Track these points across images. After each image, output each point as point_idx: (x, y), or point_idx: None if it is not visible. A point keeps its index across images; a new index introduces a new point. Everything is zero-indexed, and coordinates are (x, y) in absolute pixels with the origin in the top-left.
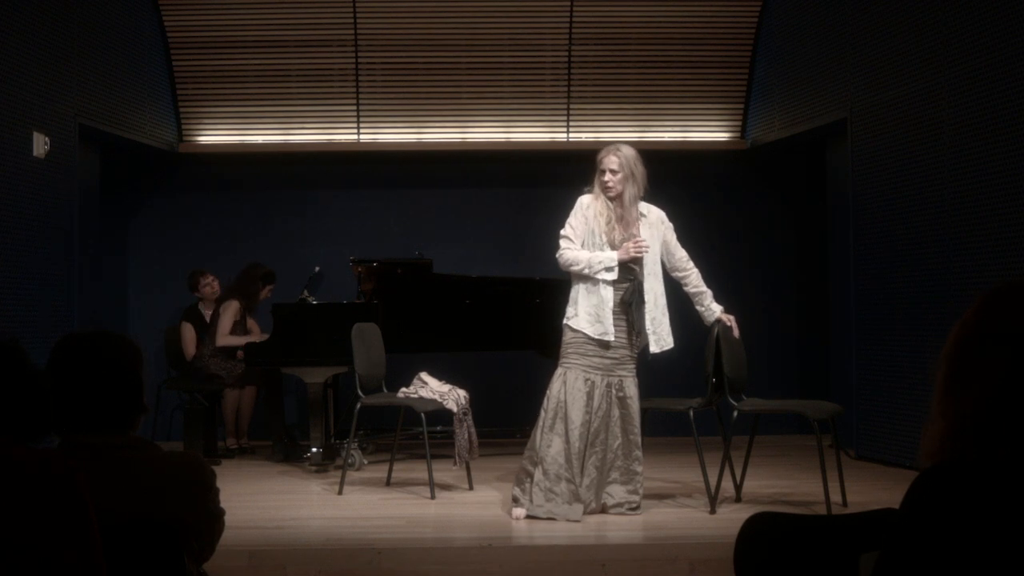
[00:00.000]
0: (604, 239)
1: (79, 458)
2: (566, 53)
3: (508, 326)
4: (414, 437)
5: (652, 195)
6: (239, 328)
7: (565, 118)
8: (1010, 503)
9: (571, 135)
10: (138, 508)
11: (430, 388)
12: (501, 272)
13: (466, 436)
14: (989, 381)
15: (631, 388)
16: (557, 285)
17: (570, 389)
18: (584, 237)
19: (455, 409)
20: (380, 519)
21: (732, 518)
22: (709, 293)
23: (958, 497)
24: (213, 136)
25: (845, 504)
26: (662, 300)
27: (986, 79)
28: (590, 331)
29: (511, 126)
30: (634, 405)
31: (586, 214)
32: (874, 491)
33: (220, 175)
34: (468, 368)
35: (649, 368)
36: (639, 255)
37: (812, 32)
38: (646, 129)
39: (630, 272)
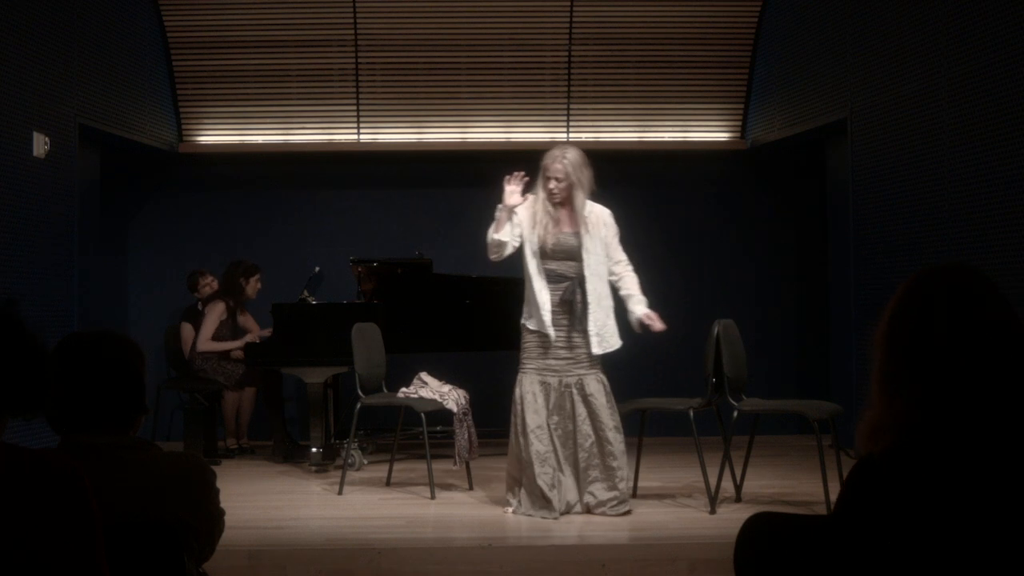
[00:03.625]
0: (536, 243)
1: (80, 458)
2: (566, 53)
3: (508, 326)
4: (414, 437)
5: (653, 195)
6: (227, 328)
7: (565, 118)
8: (939, 489)
9: (571, 135)
10: (138, 508)
11: (430, 388)
12: (501, 272)
13: (466, 436)
14: (917, 370)
15: (592, 385)
16: None
17: (524, 393)
18: (518, 237)
19: (455, 409)
20: (380, 519)
21: (732, 518)
22: (637, 297)
23: (890, 485)
24: (213, 136)
25: None
26: (607, 301)
27: (986, 79)
28: (538, 329)
29: (511, 126)
30: (599, 401)
31: (521, 217)
32: None
33: (220, 175)
34: (468, 368)
35: (649, 368)
36: (510, 203)
37: (812, 32)
38: (646, 129)
39: (568, 271)
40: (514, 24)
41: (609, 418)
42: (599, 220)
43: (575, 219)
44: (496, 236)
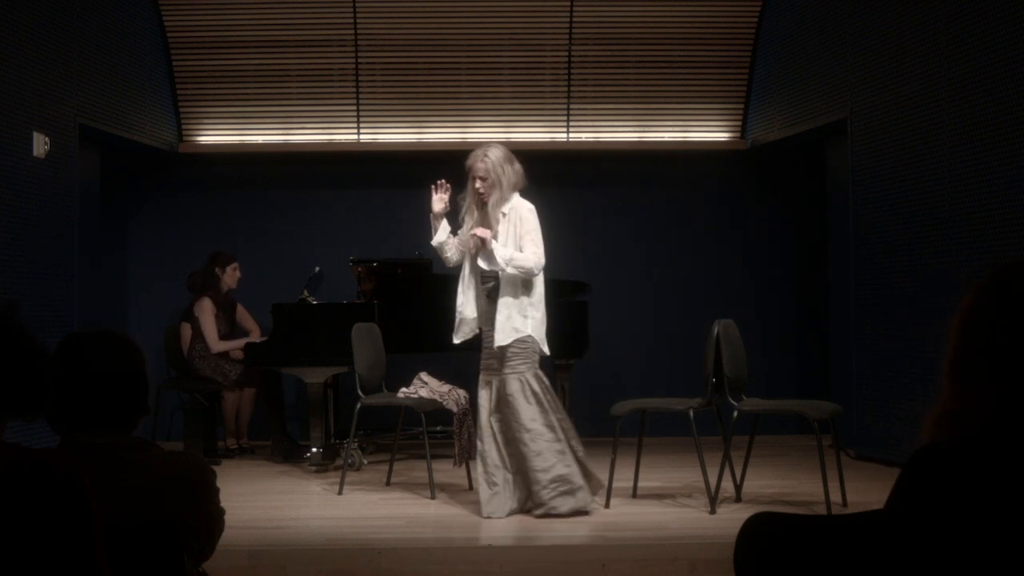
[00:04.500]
0: (468, 244)
1: (79, 458)
2: (566, 53)
3: None
4: (414, 437)
5: (653, 195)
6: (221, 323)
7: (565, 118)
8: (1005, 482)
9: (571, 135)
10: (138, 508)
11: (430, 388)
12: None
13: (466, 436)
14: (1002, 361)
15: (513, 385)
16: (557, 286)
17: (477, 394)
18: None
19: (455, 409)
20: (380, 519)
21: (732, 518)
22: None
23: (960, 474)
24: (213, 136)
25: (845, 504)
26: (515, 298)
27: (986, 79)
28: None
29: (511, 126)
30: (517, 401)
31: (464, 225)
32: (874, 491)
33: (220, 175)
34: (468, 368)
35: (649, 367)
36: (436, 210)
37: (812, 32)
38: (646, 129)
39: (491, 270)
40: (514, 24)
41: (530, 419)
42: (516, 216)
43: (495, 219)
44: (432, 243)
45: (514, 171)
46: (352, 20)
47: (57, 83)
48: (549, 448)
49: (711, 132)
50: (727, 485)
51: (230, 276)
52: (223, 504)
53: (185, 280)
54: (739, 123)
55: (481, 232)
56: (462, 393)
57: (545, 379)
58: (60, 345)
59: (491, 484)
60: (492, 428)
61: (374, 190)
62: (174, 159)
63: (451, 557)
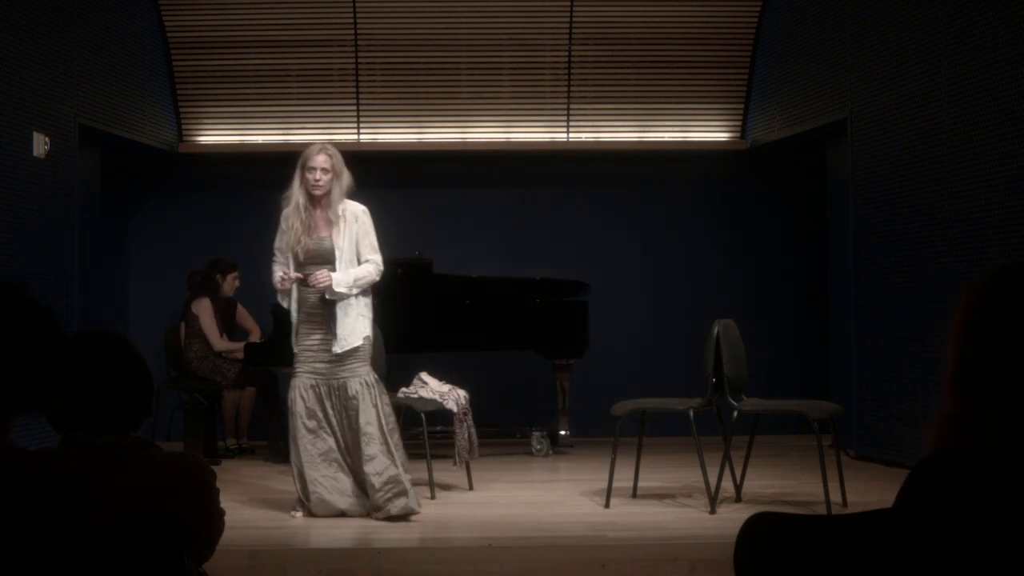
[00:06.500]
0: (295, 250)
1: (79, 458)
2: (566, 53)
3: (508, 326)
4: (414, 437)
5: (653, 195)
6: (220, 322)
7: (565, 118)
8: (1010, 494)
9: (571, 135)
10: (138, 508)
11: (430, 388)
12: (501, 272)
13: (466, 436)
14: (989, 371)
15: (353, 387)
16: (557, 285)
17: (296, 397)
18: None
19: (455, 409)
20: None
21: (732, 518)
22: (344, 273)
23: (955, 484)
24: (213, 136)
25: (845, 504)
26: (355, 300)
27: (986, 79)
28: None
29: (511, 126)
30: (357, 405)
31: (288, 227)
32: (874, 491)
33: (220, 175)
34: (468, 368)
35: (649, 367)
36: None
37: (812, 32)
38: (646, 129)
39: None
40: (514, 24)
41: (366, 422)
42: (352, 217)
43: (329, 220)
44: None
45: (348, 173)
46: (352, 20)
47: (57, 83)
48: (383, 451)
49: (711, 132)
50: (727, 485)
51: (229, 284)
52: (223, 504)
53: (185, 280)
54: (739, 123)
55: (319, 282)
56: (462, 393)
57: (379, 381)
58: (69, 343)
59: (314, 483)
60: (329, 428)
61: (374, 190)
62: (174, 159)
63: (451, 557)
